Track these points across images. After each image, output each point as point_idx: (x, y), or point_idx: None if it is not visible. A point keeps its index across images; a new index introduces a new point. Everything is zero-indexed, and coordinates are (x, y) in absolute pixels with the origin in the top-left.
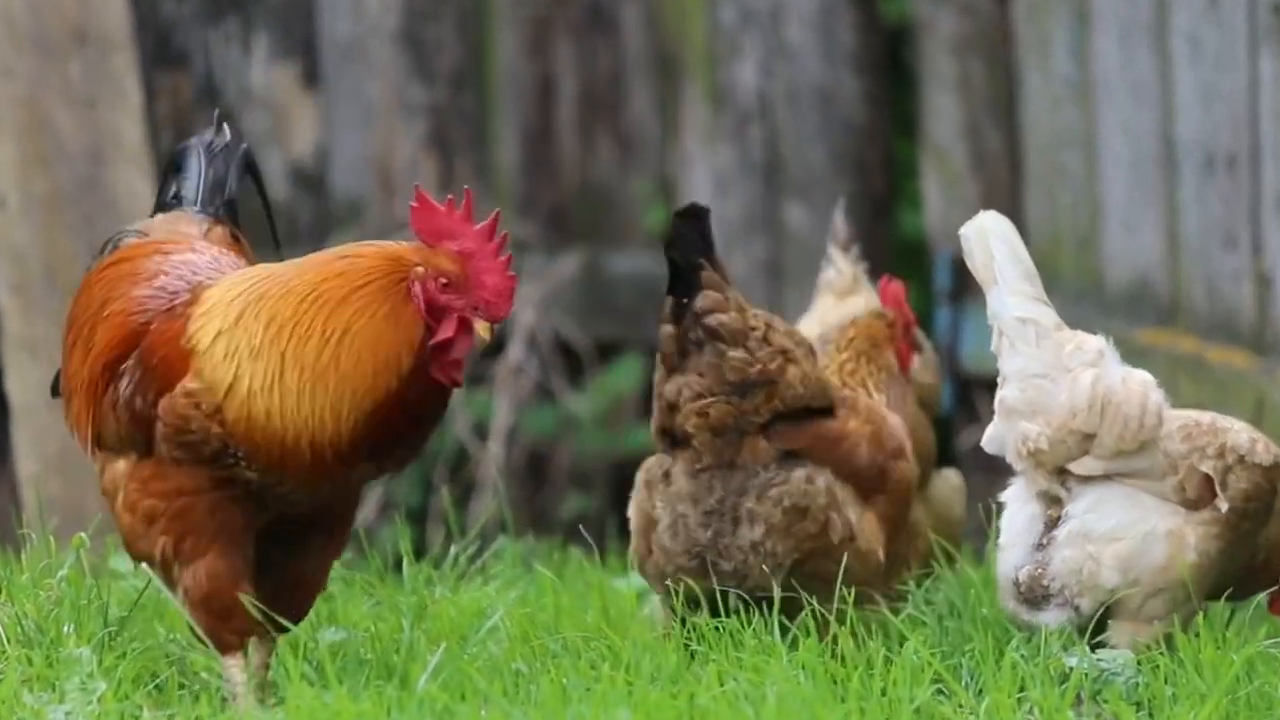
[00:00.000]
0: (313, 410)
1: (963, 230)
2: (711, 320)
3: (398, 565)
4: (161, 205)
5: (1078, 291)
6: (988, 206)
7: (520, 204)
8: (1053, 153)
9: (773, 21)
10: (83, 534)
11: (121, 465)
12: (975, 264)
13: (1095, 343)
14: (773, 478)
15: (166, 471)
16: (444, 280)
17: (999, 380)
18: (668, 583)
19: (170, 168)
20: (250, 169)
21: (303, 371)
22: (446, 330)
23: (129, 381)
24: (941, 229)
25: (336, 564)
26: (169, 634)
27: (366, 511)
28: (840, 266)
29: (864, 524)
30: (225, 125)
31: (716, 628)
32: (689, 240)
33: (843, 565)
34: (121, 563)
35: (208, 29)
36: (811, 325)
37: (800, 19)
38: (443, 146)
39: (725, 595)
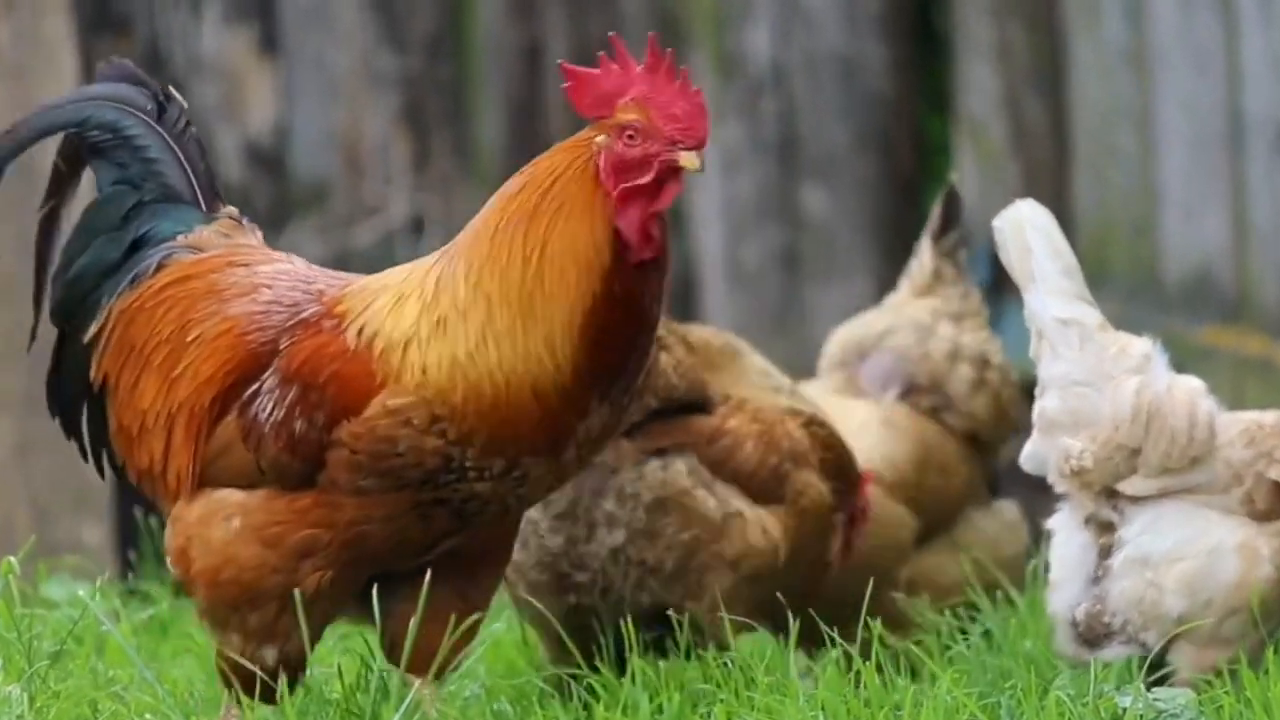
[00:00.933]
0: (527, 348)
1: (996, 222)
2: None
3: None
4: (136, 207)
5: (1131, 286)
6: (1029, 188)
7: None
8: (1103, 129)
9: None
10: (11, 558)
11: (238, 497)
12: (1010, 259)
13: (1141, 346)
14: (632, 476)
15: (339, 501)
16: (630, 133)
17: (1037, 389)
18: (523, 604)
19: (107, 143)
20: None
21: (509, 307)
22: (654, 190)
23: (276, 406)
24: (977, 213)
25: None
26: (109, 670)
27: None
28: (923, 258)
29: (757, 516)
30: (174, 91)
31: (725, 663)
32: None
33: (740, 556)
34: (56, 590)
35: None
36: (880, 317)
37: None
38: (417, 122)
39: (590, 618)
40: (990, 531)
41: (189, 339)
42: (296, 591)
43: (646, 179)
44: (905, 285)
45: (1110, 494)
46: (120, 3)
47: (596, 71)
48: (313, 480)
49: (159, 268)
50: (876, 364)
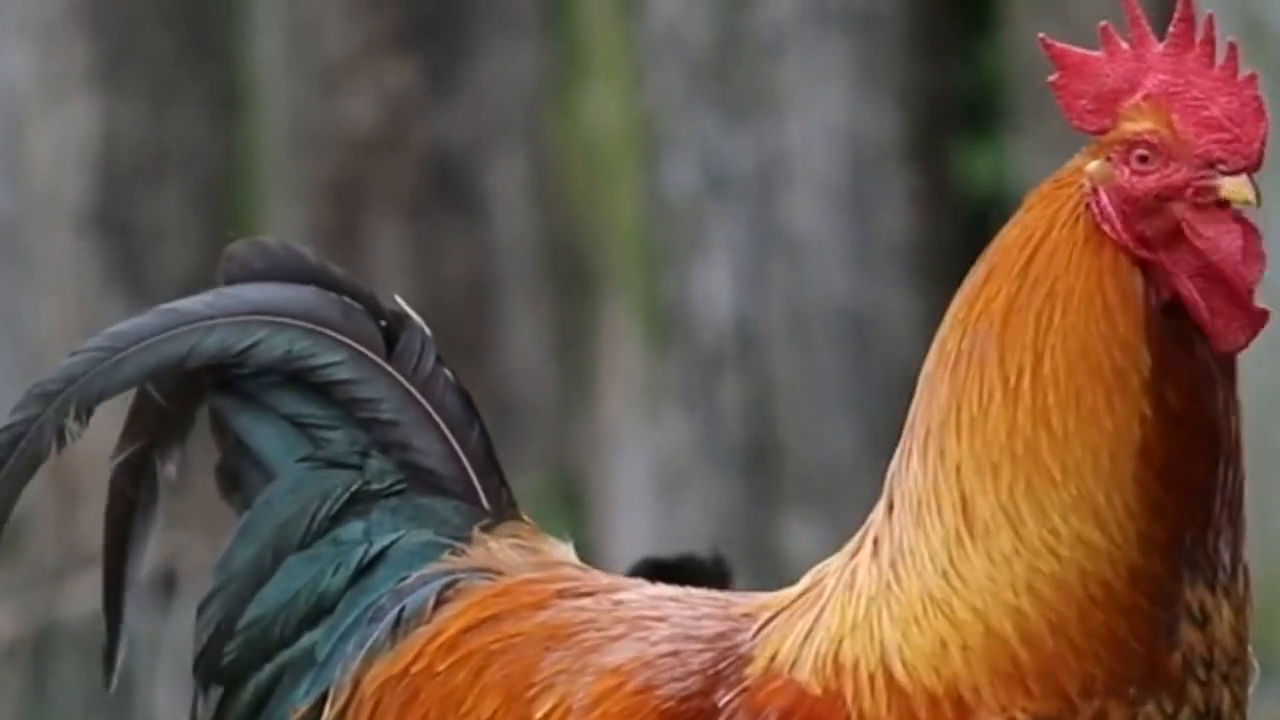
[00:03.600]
0: (1054, 528)
1: None
2: None
3: None
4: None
5: None
6: None
7: None
8: (1259, 425)
9: (763, 190)
10: None
11: None
12: None
13: None
14: None
15: None
16: (1141, 153)
17: None
18: None
19: (288, 389)
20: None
21: (1000, 476)
22: (1216, 238)
23: None
24: None
25: None
26: None
27: None
28: None
29: None
30: (405, 306)
31: None
32: None
33: None
34: None
35: None
36: None
37: (813, 187)
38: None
39: None
40: None
41: (539, 714)
42: None
43: (1175, 224)
44: None
45: None
46: None
47: (1098, 55)
48: None
49: (439, 604)
50: None
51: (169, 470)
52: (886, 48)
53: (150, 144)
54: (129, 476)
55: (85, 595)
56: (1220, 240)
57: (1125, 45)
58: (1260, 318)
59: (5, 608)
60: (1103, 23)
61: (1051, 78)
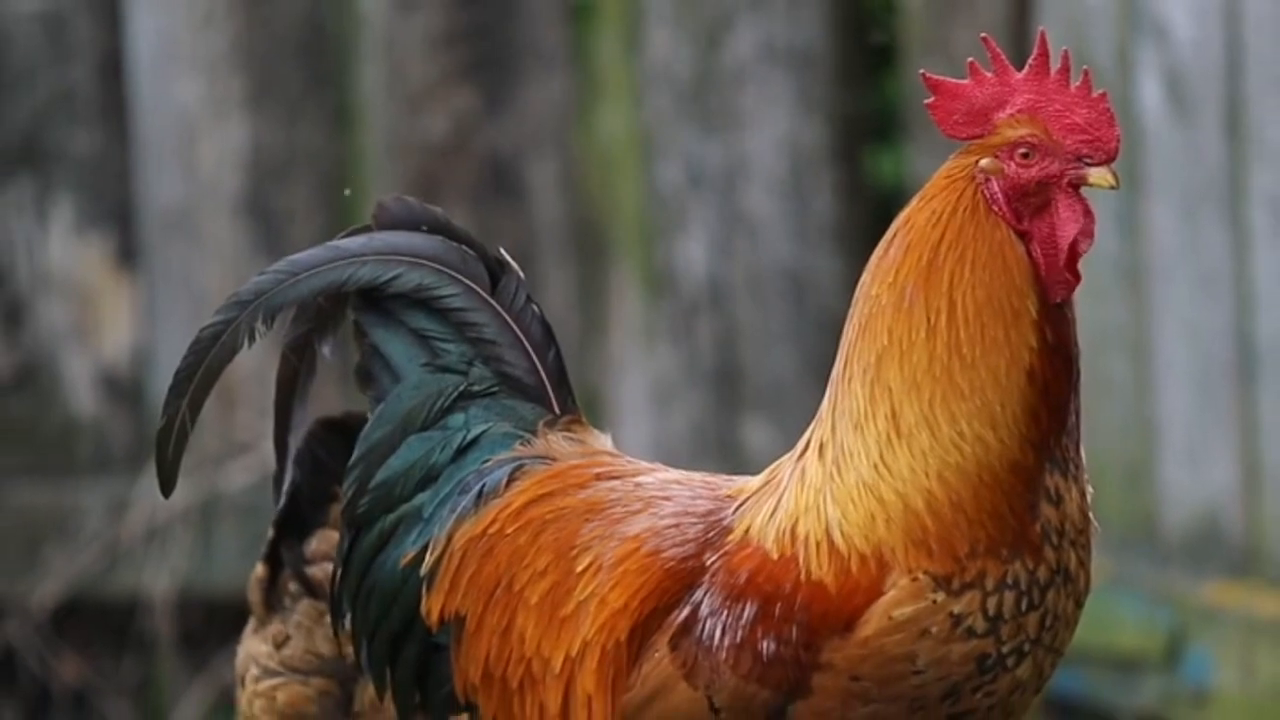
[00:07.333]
0: (960, 430)
1: None
2: (319, 570)
3: None
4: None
5: (1124, 536)
6: None
7: None
8: (1093, 357)
9: (728, 185)
10: None
11: None
12: None
13: None
14: None
15: None
16: (1023, 150)
17: None
18: None
19: (414, 312)
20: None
21: (920, 392)
22: (1067, 217)
23: (727, 630)
24: None
25: None
26: None
27: None
28: None
29: None
30: (506, 255)
31: None
32: (323, 458)
33: None
34: None
35: None
36: None
37: (765, 183)
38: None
39: None
40: None
41: (579, 569)
42: None
43: (1053, 204)
44: None
45: None
46: None
47: (966, 82)
48: (782, 713)
49: (510, 482)
50: None
51: (325, 350)
52: (818, 80)
53: (285, 151)
54: (295, 351)
55: (240, 475)
56: (1069, 219)
57: (988, 74)
58: (1077, 280)
59: (180, 483)
60: (969, 59)
61: (927, 100)
